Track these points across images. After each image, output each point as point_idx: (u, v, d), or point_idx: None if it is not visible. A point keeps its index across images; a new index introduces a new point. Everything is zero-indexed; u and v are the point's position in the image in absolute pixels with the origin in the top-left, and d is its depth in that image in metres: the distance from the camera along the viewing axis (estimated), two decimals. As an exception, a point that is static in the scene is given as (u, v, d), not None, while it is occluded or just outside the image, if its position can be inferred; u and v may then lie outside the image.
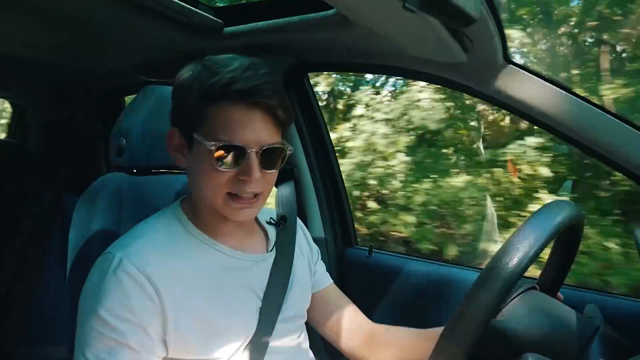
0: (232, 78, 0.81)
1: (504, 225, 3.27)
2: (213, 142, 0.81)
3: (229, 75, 0.81)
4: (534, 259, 0.63)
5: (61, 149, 2.20)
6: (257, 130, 0.84)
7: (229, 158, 0.82)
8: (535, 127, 1.77)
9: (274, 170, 0.88)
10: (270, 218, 1.08)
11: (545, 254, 0.90)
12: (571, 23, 3.53)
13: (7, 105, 2.88)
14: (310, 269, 1.11)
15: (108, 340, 0.78)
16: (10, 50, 1.60)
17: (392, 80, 4.18)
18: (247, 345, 0.89)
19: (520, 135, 3.33)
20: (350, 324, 1.10)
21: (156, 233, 0.88)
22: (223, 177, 0.84)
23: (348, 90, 4.55)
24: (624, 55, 3.41)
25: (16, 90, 2.25)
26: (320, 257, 1.18)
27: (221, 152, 0.82)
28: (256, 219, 1.05)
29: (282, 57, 1.42)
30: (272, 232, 1.05)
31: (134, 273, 0.80)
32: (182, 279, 0.84)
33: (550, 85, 1.09)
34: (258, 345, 0.90)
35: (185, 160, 0.90)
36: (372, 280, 1.53)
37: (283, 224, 1.06)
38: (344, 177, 1.70)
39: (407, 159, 3.80)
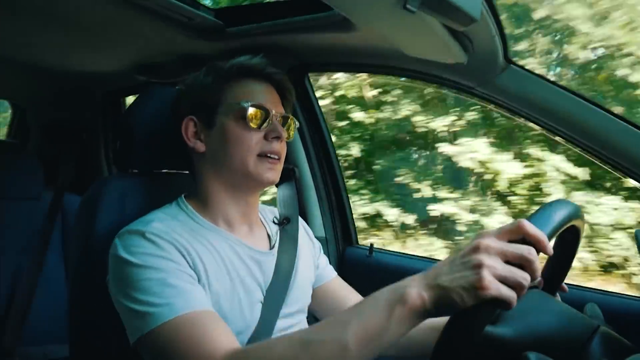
0: (246, 59, 0.96)
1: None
2: (243, 102, 0.92)
3: (242, 58, 0.97)
4: (558, 229, 0.65)
5: (61, 149, 2.20)
6: (274, 102, 0.98)
7: (258, 118, 0.93)
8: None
9: (288, 140, 1.00)
10: (274, 217, 1.10)
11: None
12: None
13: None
14: (313, 264, 1.13)
15: (163, 278, 0.79)
16: (10, 51, 1.60)
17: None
18: (250, 337, 0.90)
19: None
20: None
21: (166, 219, 0.91)
22: (253, 137, 0.93)
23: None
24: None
25: (16, 91, 2.25)
26: (322, 251, 1.20)
27: (252, 111, 0.92)
28: (259, 217, 1.08)
29: (283, 57, 1.42)
30: (274, 230, 1.07)
31: (162, 235, 0.84)
32: (199, 257, 0.87)
33: (550, 85, 1.09)
34: (260, 338, 0.91)
35: (203, 144, 0.96)
36: (373, 280, 1.52)
37: (286, 223, 1.08)
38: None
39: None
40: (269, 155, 0.93)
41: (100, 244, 0.95)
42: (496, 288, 0.57)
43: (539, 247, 0.60)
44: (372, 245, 1.58)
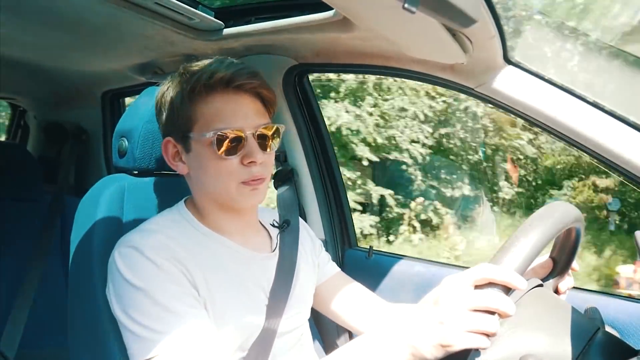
0: (213, 70, 0.86)
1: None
2: (212, 131, 0.85)
3: (209, 69, 0.86)
4: (531, 259, 0.64)
5: (61, 150, 2.20)
6: (249, 114, 0.89)
7: (230, 144, 0.86)
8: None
9: (271, 152, 0.93)
10: (274, 220, 1.10)
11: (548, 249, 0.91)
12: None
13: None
14: (313, 264, 1.13)
15: (164, 303, 0.79)
16: (10, 51, 1.60)
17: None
18: (255, 340, 0.91)
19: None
20: (366, 304, 1.13)
21: (167, 228, 0.90)
22: (229, 165, 0.87)
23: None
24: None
25: (16, 92, 2.25)
26: (324, 249, 1.20)
27: (221, 139, 0.85)
28: (259, 220, 1.07)
29: (282, 58, 1.42)
30: (275, 233, 1.07)
31: (163, 255, 0.82)
32: (200, 267, 0.86)
33: (550, 85, 1.09)
34: (264, 341, 0.92)
35: (185, 166, 0.92)
36: (372, 282, 1.53)
37: (287, 227, 1.08)
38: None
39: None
40: (249, 180, 0.89)
41: (100, 245, 0.94)
42: (461, 342, 0.59)
43: (510, 287, 0.60)
44: (371, 247, 1.58)
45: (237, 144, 0.86)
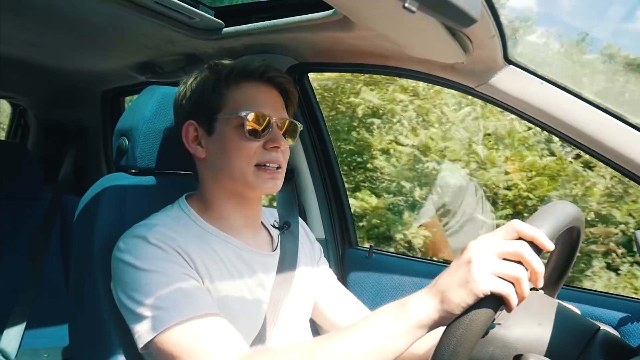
0: (249, 62, 0.94)
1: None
2: (243, 112, 0.89)
3: (244, 61, 0.94)
4: (559, 230, 0.65)
5: (61, 149, 2.20)
6: (275, 106, 0.95)
7: (257, 127, 0.90)
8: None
9: (289, 144, 0.98)
10: (275, 221, 1.10)
11: (546, 254, 0.90)
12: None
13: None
14: (312, 265, 1.13)
15: (171, 282, 0.79)
16: (10, 50, 1.60)
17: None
18: (254, 339, 0.91)
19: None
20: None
21: (168, 223, 0.90)
22: (252, 147, 0.91)
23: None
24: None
25: (16, 91, 2.25)
26: (322, 254, 1.20)
27: (251, 120, 0.89)
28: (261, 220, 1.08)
29: (282, 57, 1.42)
30: (275, 233, 1.07)
31: (167, 241, 0.84)
32: (204, 264, 0.87)
33: (550, 85, 1.09)
34: (264, 338, 0.92)
35: (203, 150, 0.95)
36: (372, 281, 1.53)
37: (287, 228, 1.08)
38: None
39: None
40: (267, 165, 0.92)
41: (101, 244, 0.95)
42: (488, 281, 0.59)
43: (537, 243, 0.60)
44: (371, 247, 1.59)
45: (263, 128, 0.91)
